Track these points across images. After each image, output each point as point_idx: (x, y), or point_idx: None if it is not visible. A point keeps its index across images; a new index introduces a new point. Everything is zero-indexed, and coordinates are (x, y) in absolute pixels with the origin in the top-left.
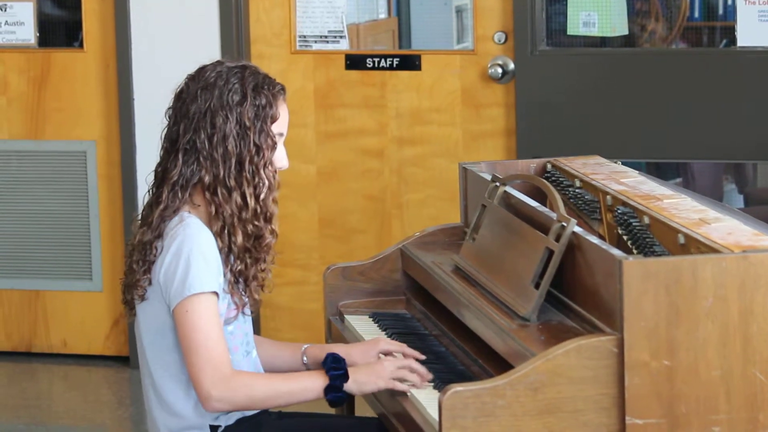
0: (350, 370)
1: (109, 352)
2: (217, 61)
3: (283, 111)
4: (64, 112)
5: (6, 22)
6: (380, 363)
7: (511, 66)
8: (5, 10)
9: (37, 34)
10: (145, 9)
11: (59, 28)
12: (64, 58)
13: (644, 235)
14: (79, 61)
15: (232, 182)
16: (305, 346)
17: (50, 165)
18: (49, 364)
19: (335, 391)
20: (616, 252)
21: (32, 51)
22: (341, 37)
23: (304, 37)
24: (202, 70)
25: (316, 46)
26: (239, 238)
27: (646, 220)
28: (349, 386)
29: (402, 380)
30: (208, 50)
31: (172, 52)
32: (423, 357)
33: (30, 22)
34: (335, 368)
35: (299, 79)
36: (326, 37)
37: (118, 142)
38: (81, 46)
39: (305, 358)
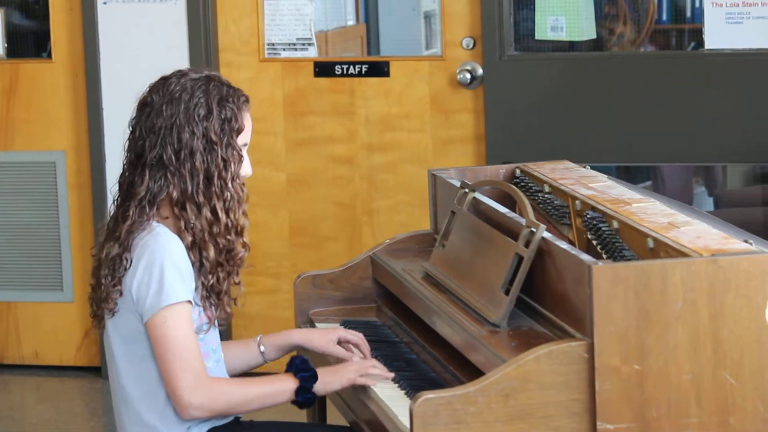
0: (318, 371)
1: (81, 363)
2: (180, 72)
3: (247, 122)
4: (33, 123)
5: None
6: (343, 364)
7: (480, 71)
8: None
9: (5, 45)
10: (113, 19)
11: (27, 38)
12: (32, 69)
13: (613, 240)
14: (47, 72)
15: (201, 198)
16: (260, 336)
17: (20, 176)
18: (20, 375)
19: (305, 392)
20: (586, 257)
21: (0, 62)
22: (310, 44)
23: (273, 45)
24: (166, 82)
25: (284, 54)
26: (211, 253)
27: (615, 224)
28: (317, 387)
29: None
30: (177, 60)
31: (140, 62)
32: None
33: None
34: (303, 370)
35: (268, 87)
36: (295, 44)
37: (88, 152)
38: (49, 56)
39: (262, 348)
